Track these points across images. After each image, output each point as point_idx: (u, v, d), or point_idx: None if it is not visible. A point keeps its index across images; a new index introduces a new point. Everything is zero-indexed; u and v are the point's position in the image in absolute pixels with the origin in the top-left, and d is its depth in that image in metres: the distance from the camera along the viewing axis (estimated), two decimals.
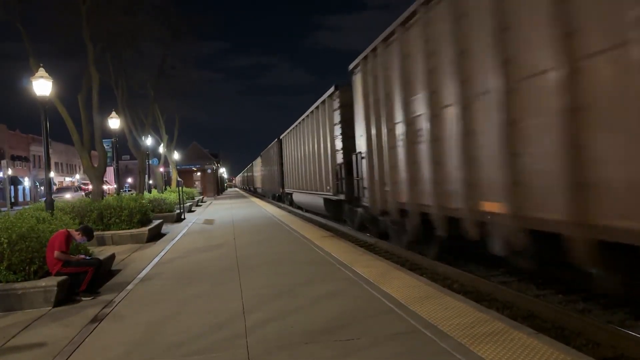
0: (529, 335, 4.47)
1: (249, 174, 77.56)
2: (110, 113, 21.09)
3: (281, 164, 31.83)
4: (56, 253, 7.21)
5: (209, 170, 70.92)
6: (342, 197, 15.35)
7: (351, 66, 13.45)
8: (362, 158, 12.78)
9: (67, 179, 78.92)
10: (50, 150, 13.52)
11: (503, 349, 4.18)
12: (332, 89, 16.22)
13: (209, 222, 20.12)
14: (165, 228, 17.59)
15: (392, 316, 5.37)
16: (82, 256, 7.92)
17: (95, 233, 13.49)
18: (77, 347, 5.04)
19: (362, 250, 10.38)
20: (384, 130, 11.01)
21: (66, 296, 7.21)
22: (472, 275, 8.37)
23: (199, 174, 69.71)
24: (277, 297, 6.57)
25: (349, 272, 7.82)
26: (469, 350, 4.20)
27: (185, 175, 59.59)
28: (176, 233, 16.06)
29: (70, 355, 4.82)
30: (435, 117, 8.54)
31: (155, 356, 4.64)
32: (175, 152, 42.96)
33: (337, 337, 4.79)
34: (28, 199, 60.53)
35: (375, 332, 4.86)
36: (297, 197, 26.17)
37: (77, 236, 7.73)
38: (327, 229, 16.13)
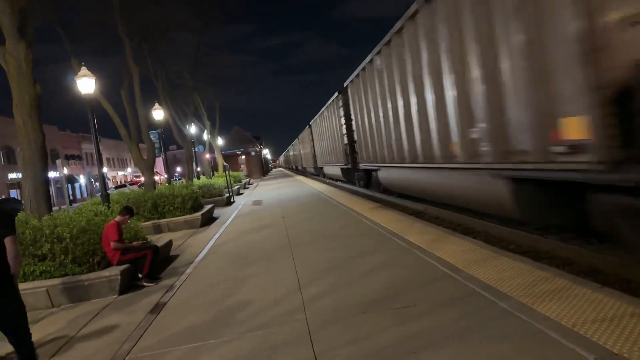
0: (593, 290, 4.31)
1: (294, 152, 75.76)
2: (153, 105, 21.61)
3: (349, 126, 20.92)
4: (112, 243, 7.54)
5: (253, 153, 71.84)
6: None
7: None
8: None
9: (120, 173, 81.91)
10: (101, 147, 13.99)
11: (567, 305, 4.05)
12: None
13: (257, 203, 20.43)
14: (216, 212, 18.00)
15: (448, 281, 5.30)
16: (137, 242, 8.29)
17: (151, 221, 14.06)
18: (145, 332, 5.26)
19: (412, 218, 10.27)
20: None
21: (130, 284, 7.52)
22: (528, 234, 8.12)
23: (243, 157, 70.74)
24: (330, 271, 6.61)
25: (401, 241, 7.76)
26: (532, 309, 4.09)
27: (230, 159, 60.53)
28: (227, 216, 16.41)
29: (139, 339, 5.04)
30: None
31: (220, 334, 4.78)
32: (219, 137, 43.71)
33: (392, 305, 4.78)
34: (85, 195, 63.25)
35: (431, 298, 4.81)
36: (403, 176, 13.58)
37: (123, 219, 8.04)
38: (375, 200, 16.05)
